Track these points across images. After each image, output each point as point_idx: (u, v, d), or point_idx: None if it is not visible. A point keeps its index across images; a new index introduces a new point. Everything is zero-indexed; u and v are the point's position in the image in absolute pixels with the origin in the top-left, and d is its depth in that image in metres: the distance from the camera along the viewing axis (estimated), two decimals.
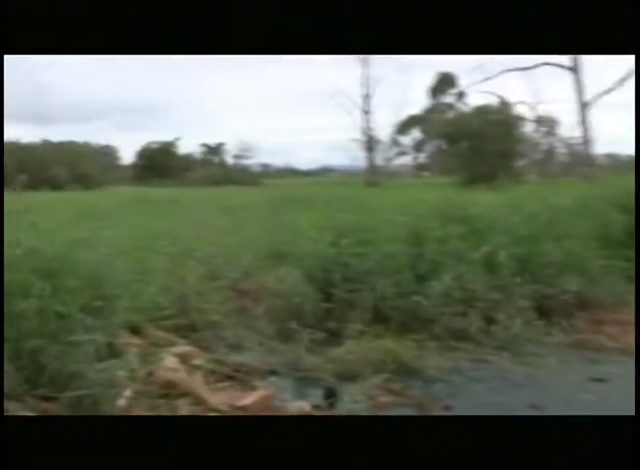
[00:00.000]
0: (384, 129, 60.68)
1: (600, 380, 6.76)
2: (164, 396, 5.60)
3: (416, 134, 67.90)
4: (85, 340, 5.24)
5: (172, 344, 7.12)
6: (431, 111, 64.39)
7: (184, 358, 6.57)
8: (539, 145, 46.42)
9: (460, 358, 7.40)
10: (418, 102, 78.58)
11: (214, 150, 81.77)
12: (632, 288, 9.24)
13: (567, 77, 37.50)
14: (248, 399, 5.72)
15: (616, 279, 9.40)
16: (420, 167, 71.22)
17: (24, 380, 5.00)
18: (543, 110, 44.68)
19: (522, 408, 5.97)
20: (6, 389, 4.74)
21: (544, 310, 8.72)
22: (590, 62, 41.27)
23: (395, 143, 65.16)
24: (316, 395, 6.29)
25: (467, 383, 6.78)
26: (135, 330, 7.04)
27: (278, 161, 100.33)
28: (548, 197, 11.58)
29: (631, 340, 7.71)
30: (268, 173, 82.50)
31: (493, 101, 44.83)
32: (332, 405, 6.01)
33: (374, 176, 52.57)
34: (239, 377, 6.57)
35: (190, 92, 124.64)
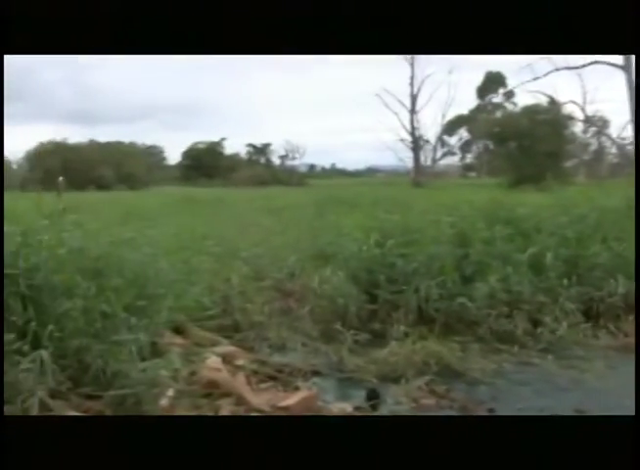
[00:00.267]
0: (430, 129, 60.51)
1: None
2: (207, 395, 5.62)
3: (463, 134, 67.66)
4: (129, 339, 5.28)
5: (215, 344, 7.16)
6: (478, 110, 64.04)
7: (227, 358, 6.60)
8: (588, 145, 45.84)
9: (504, 361, 7.32)
10: (465, 102, 78.12)
11: (260, 150, 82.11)
12: None
13: (618, 76, 37.05)
14: (290, 400, 5.72)
15: None
16: (467, 168, 70.89)
17: (69, 378, 5.06)
18: (593, 109, 44.24)
19: (566, 413, 5.89)
20: (51, 387, 4.80)
21: (591, 313, 8.62)
22: None
23: (442, 143, 64.89)
24: (359, 396, 6.28)
25: (511, 386, 6.70)
26: (179, 330, 7.09)
27: (324, 161, 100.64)
28: (596, 198, 11.41)
29: None
30: (314, 174, 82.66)
31: (542, 100, 44.44)
32: (374, 407, 5.99)
33: (420, 177, 52.40)
34: (281, 378, 6.57)
35: (236, 92, 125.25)
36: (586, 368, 7.04)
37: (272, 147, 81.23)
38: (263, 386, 6.34)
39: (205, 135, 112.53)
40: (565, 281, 8.72)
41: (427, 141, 59.36)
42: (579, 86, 45.88)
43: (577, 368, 7.08)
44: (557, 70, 39.95)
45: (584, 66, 39.21)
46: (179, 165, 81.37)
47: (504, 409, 6.03)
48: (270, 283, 9.24)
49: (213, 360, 6.22)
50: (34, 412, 4.50)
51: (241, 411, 5.49)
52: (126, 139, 77.90)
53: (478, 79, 66.29)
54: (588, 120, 44.12)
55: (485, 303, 8.20)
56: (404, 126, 57.01)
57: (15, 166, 65.11)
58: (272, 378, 6.56)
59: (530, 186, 22.63)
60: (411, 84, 56.26)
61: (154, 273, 6.46)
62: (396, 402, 6.13)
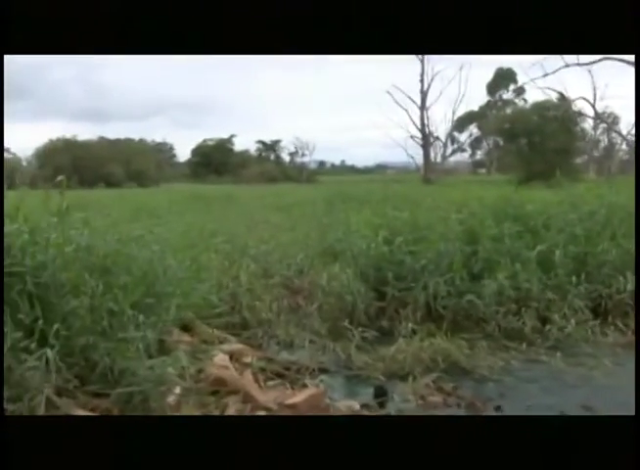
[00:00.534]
0: (441, 126, 60.52)
1: None
2: (214, 393, 5.62)
3: (473, 131, 67.51)
4: (136, 337, 5.29)
5: (223, 341, 7.17)
6: (488, 107, 63.92)
7: (235, 356, 6.61)
8: (598, 142, 45.70)
9: (512, 358, 7.30)
10: (476, 98, 77.89)
11: (270, 147, 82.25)
12: None
13: (628, 72, 36.90)
14: (297, 398, 5.71)
15: None
16: (477, 164, 70.79)
17: (76, 376, 5.06)
18: (603, 106, 44.09)
19: (574, 410, 5.88)
20: (58, 385, 4.82)
21: (600, 310, 8.61)
22: None
23: (452, 140, 64.79)
24: (366, 393, 6.28)
25: (519, 383, 6.68)
26: (187, 327, 7.09)
27: (334, 158, 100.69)
28: (606, 195, 11.35)
29: None
30: (324, 171, 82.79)
31: (552, 97, 44.33)
32: (382, 404, 5.99)
33: (430, 173, 52.37)
34: (289, 375, 6.58)
35: (245, 89, 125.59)
36: (594, 365, 7.02)
37: (282, 144, 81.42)
38: (271, 383, 6.34)
39: (214, 132, 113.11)
40: (573, 278, 8.71)
41: (437, 138, 59.38)
42: (590, 83, 45.80)
43: (585, 365, 7.05)
44: (567, 66, 39.84)
45: (595, 62, 39.14)
46: (189, 163, 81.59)
47: (512, 407, 6.02)
48: (278, 280, 9.25)
49: (221, 358, 6.22)
50: (41, 410, 4.51)
51: (248, 409, 5.49)
52: (136, 136, 78.19)
53: (488, 76, 66.15)
54: (598, 117, 43.98)
55: (494, 300, 8.20)
56: (414, 123, 57.09)
57: (24, 164, 65.37)
58: (280, 376, 6.56)
59: (540, 183, 22.57)
60: (421, 81, 56.38)
61: (162, 271, 6.46)
62: (404, 400, 6.13)
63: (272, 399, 5.74)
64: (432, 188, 28.57)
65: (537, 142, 41.09)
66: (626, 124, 43.15)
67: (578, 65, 40.83)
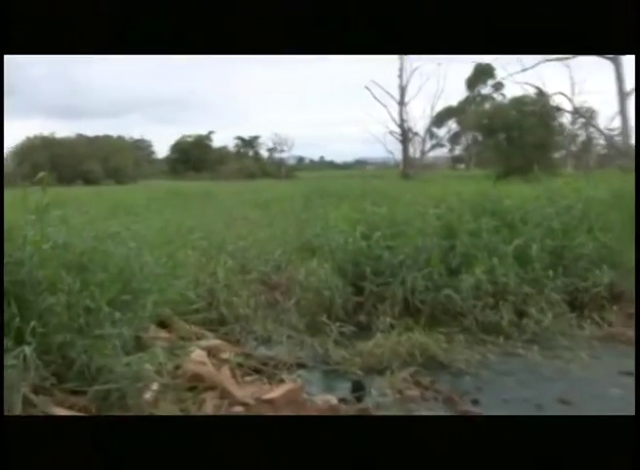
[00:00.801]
0: (419, 121, 60.61)
1: (631, 374, 6.67)
2: (191, 389, 5.62)
3: (452, 126, 67.66)
4: (112, 333, 5.27)
5: (201, 337, 7.17)
6: (467, 102, 64.07)
7: (212, 352, 6.60)
8: (577, 137, 45.97)
9: (490, 352, 7.36)
10: (455, 93, 78.16)
11: (249, 143, 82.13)
12: None
13: (606, 68, 37.10)
14: (274, 393, 5.74)
15: None
16: (456, 160, 70.99)
17: (53, 374, 5.04)
18: (581, 101, 44.33)
19: (551, 403, 5.93)
20: (34, 383, 4.79)
21: (576, 304, 8.68)
22: None
23: (431, 135, 64.86)
24: (344, 388, 6.30)
25: (496, 377, 6.74)
26: (164, 324, 7.08)
27: (313, 154, 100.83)
28: (583, 189, 11.43)
29: None
30: (303, 166, 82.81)
31: (531, 92, 44.47)
32: (359, 399, 6.01)
33: (409, 169, 52.46)
34: (266, 370, 6.58)
35: (225, 85, 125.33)
36: (571, 358, 7.08)
37: (260, 140, 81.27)
38: (248, 379, 6.35)
39: (193, 129, 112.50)
40: (550, 272, 8.75)
41: (416, 133, 59.41)
42: (568, 78, 45.99)
43: (562, 358, 7.12)
44: (545, 61, 39.96)
45: (573, 57, 39.21)
46: (167, 159, 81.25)
47: (489, 400, 6.07)
48: (256, 276, 9.25)
49: (198, 354, 6.21)
50: (18, 409, 4.48)
51: (225, 404, 5.49)
52: (114, 133, 77.83)
53: (467, 71, 66.27)
54: (576, 112, 44.19)
55: (471, 294, 8.23)
56: (393, 119, 57.12)
57: None
58: (257, 371, 6.57)
59: (518, 178, 22.65)
60: (400, 76, 56.33)
61: (138, 268, 6.43)
62: (381, 394, 6.16)
63: (249, 394, 5.76)
64: (410, 183, 28.61)
65: (516, 137, 41.21)
66: (604, 119, 43.41)
67: (557, 60, 40.97)
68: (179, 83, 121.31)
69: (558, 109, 43.96)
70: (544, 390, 6.32)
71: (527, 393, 6.24)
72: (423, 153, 61.69)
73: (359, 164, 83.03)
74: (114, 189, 37.82)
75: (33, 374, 4.76)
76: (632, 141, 35.84)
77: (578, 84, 46.95)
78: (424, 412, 5.81)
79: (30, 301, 5.24)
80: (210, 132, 79.98)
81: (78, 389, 5.09)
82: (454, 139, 69.87)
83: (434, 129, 66.15)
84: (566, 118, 45.18)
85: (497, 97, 61.54)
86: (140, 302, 6.09)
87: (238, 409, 5.47)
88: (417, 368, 6.67)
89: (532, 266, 8.83)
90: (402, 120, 57.01)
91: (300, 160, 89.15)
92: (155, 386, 5.34)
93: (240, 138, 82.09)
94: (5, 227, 5.70)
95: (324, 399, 5.85)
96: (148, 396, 5.21)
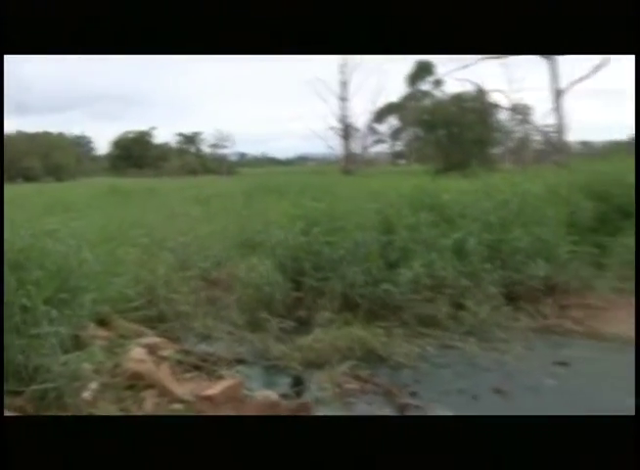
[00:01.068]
0: (361, 117, 60.76)
1: (563, 364, 6.85)
2: (130, 387, 5.60)
3: (393, 122, 67.89)
4: (49, 332, 5.21)
5: (140, 335, 7.11)
6: (408, 98, 64.37)
7: (152, 349, 6.57)
8: (514, 133, 46.58)
9: (428, 345, 7.46)
10: (396, 90, 78.41)
11: (191, 139, 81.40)
12: (599, 273, 9.36)
13: (542, 65, 37.69)
14: (214, 389, 5.73)
15: (582, 265, 9.48)
16: (397, 155, 71.29)
17: None
18: (519, 98, 44.94)
19: (486, 393, 6.06)
20: None
21: (512, 296, 8.82)
22: None
23: (372, 131, 65.06)
24: (284, 383, 6.35)
25: (434, 369, 6.85)
26: (103, 322, 7.02)
27: (255, 150, 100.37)
28: (519, 184, 11.62)
29: (596, 324, 7.86)
30: (245, 162, 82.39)
31: (470, 89, 44.91)
32: (299, 394, 6.05)
33: (350, 164, 52.58)
34: (206, 367, 6.58)
35: (169, 83, 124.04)
36: (506, 350, 7.23)
37: (202, 136, 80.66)
38: (188, 376, 6.34)
39: (138, 126, 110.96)
40: (487, 265, 8.88)
41: (357, 129, 59.58)
42: (506, 75, 46.61)
43: (498, 350, 7.26)
44: (484, 58, 40.36)
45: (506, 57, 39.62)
46: (109, 156, 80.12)
47: (427, 392, 6.16)
48: (196, 272, 9.20)
49: (137, 352, 6.18)
50: None
51: (165, 402, 5.49)
52: (55, 130, 76.53)
53: (408, 68, 66.62)
54: (514, 108, 44.74)
55: (410, 288, 8.31)
56: (335, 114, 57.20)
57: None
58: (197, 368, 6.56)
59: (458, 173, 22.90)
60: (342, 72, 56.43)
61: (77, 265, 6.37)
62: (320, 388, 6.20)
63: (189, 391, 5.76)
64: (351, 179, 28.71)
65: (455, 133, 41.58)
66: (541, 116, 43.97)
67: (494, 57, 41.38)
68: (124, 80, 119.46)
69: (496, 105, 44.50)
70: (480, 381, 6.44)
71: (464, 384, 6.37)
72: (364, 149, 61.95)
73: (301, 160, 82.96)
74: (54, 186, 37.21)
75: None
76: (566, 137, 36.59)
77: (515, 81, 47.58)
78: (363, 406, 5.89)
79: None
80: (152, 128, 79.07)
81: (16, 389, 5.03)
82: (395, 135, 70.09)
83: (376, 125, 66.42)
84: (504, 115, 45.75)
85: (438, 94, 62.01)
86: (78, 300, 6.03)
87: (177, 407, 5.47)
88: (356, 362, 6.72)
89: (470, 260, 8.96)
90: (343, 117, 57.15)
91: (243, 156, 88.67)
92: (93, 385, 5.31)
93: (182, 134, 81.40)
94: None
95: (264, 395, 5.87)
96: (86, 395, 5.18)
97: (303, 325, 7.89)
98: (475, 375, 6.65)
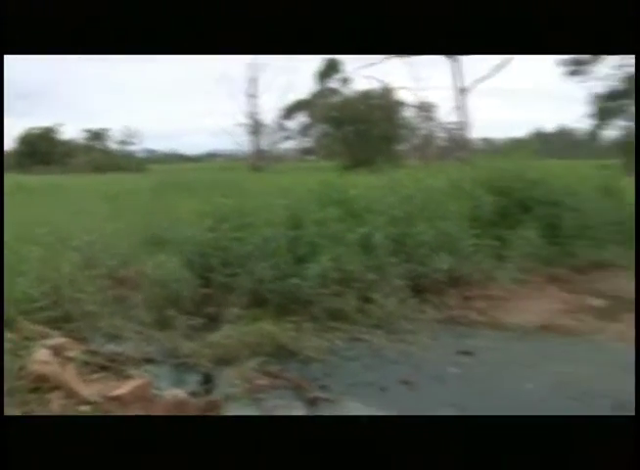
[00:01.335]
0: (270, 114, 60.76)
1: (467, 353, 7.04)
2: (35, 390, 5.50)
3: (302, 119, 68.08)
4: None
5: (46, 336, 6.96)
6: (317, 96, 64.64)
7: (57, 351, 6.43)
8: (419, 130, 47.38)
9: (337, 338, 7.53)
10: (305, 87, 78.67)
11: (98, 135, 79.87)
12: (500, 265, 9.63)
13: (446, 64, 38.43)
14: (122, 389, 5.67)
15: (485, 257, 9.74)
16: (305, 152, 71.44)
17: None
18: (424, 95, 45.72)
19: (394, 385, 6.18)
20: None
21: (418, 289, 8.97)
22: None
23: (281, 127, 65.15)
24: (194, 381, 6.33)
25: (343, 362, 6.92)
26: (6, 323, 6.86)
27: (164, 146, 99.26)
28: (423, 179, 11.83)
29: (498, 314, 8.10)
30: (154, 159, 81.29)
31: (377, 86, 45.44)
32: (208, 391, 6.04)
33: (259, 161, 52.64)
34: (114, 367, 6.49)
35: (78, 79, 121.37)
36: (413, 341, 7.37)
37: (110, 132, 79.27)
38: (95, 376, 6.25)
39: (42, 121, 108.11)
40: (393, 259, 9.02)
41: (266, 126, 59.60)
42: (411, 73, 47.30)
43: (405, 341, 7.39)
44: (390, 56, 40.85)
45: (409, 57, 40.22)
46: (13, 153, 77.90)
47: (337, 386, 6.24)
48: (103, 271, 9.05)
49: (42, 353, 6.06)
50: None
51: (71, 404, 5.41)
52: None
53: (317, 65, 66.90)
54: (419, 106, 45.50)
55: (318, 282, 8.37)
56: (244, 111, 57.10)
57: None
58: (104, 368, 6.47)
59: (365, 169, 23.15)
60: (251, 69, 56.34)
61: None
62: (230, 385, 6.21)
63: (96, 392, 5.68)
64: (260, 175, 28.77)
65: (362, 129, 42.07)
66: (445, 113, 44.85)
67: (400, 56, 41.91)
68: (28, 74, 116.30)
69: (402, 103, 45.19)
70: (388, 373, 6.56)
71: (372, 376, 6.47)
72: (273, 145, 62.01)
73: (210, 156, 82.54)
74: None
75: None
76: (469, 134, 37.48)
77: (421, 80, 48.52)
78: (274, 401, 5.92)
79: None
80: (58, 124, 77.22)
81: None
82: (304, 131, 70.31)
83: (285, 122, 66.51)
84: (409, 113, 46.50)
85: (345, 91, 62.46)
86: None
87: (84, 408, 5.40)
88: (266, 358, 6.76)
89: (376, 254, 9.07)
90: (253, 113, 57.10)
91: (151, 152, 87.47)
92: None
93: (88, 130, 79.75)
94: None
95: (172, 394, 5.84)
96: None
97: (213, 322, 7.86)
98: (382, 367, 6.76)
